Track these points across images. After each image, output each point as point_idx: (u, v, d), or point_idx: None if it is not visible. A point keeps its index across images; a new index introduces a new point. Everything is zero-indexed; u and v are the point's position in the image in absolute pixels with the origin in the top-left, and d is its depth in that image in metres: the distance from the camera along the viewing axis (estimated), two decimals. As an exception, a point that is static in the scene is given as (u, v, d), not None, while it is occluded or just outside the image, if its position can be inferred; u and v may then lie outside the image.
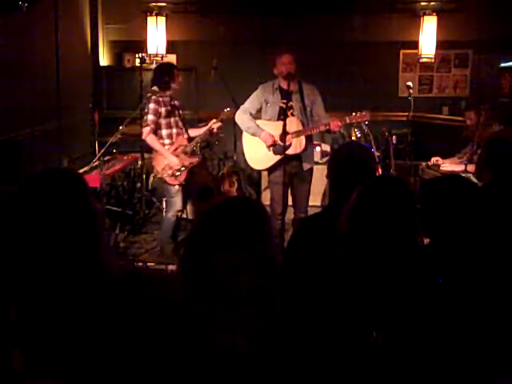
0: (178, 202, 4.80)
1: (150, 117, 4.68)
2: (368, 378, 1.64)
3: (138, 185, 5.80)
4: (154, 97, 4.71)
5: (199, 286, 1.34)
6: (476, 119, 4.84)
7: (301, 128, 4.38)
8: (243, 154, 4.72)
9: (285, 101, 4.42)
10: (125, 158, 5.82)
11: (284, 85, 4.42)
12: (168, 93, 4.79)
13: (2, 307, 1.51)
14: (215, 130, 4.96)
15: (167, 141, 4.78)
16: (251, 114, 4.57)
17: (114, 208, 5.60)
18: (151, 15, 6.79)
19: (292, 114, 4.43)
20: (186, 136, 4.88)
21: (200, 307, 1.33)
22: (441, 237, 1.90)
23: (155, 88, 5.14)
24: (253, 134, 4.52)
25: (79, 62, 6.58)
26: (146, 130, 4.70)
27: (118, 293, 1.58)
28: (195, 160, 4.88)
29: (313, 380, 1.41)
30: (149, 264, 4.49)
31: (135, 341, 1.47)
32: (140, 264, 4.50)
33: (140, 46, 6.82)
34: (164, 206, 5.37)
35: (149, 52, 6.78)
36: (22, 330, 1.48)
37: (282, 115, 4.30)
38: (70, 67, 6.09)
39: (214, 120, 4.93)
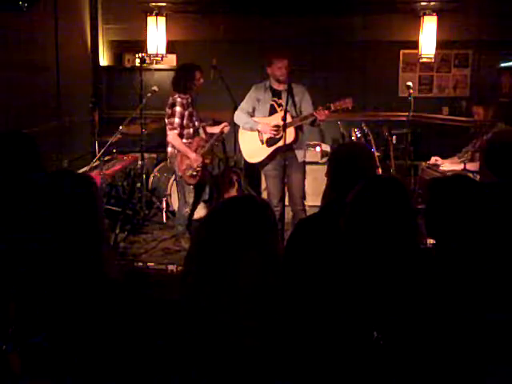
0: (192, 198, 5.13)
1: (177, 120, 4.91)
2: (368, 378, 1.64)
3: (138, 185, 5.80)
4: (179, 99, 4.92)
5: (205, 284, 1.34)
6: (484, 115, 4.83)
7: (290, 120, 4.54)
8: (240, 151, 4.97)
9: (275, 98, 4.68)
10: (125, 157, 5.82)
11: (275, 85, 4.70)
12: (191, 93, 5.00)
13: (0, 306, 1.51)
14: (225, 133, 5.25)
15: (185, 140, 5.01)
16: (248, 113, 4.80)
17: (114, 208, 5.60)
18: (151, 15, 6.78)
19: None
20: (202, 135, 5.15)
21: (204, 304, 1.33)
22: (445, 238, 1.89)
23: (155, 88, 5.21)
24: (251, 129, 4.76)
25: (79, 61, 6.58)
26: (172, 134, 4.93)
27: (117, 293, 1.58)
28: (208, 161, 5.20)
29: (314, 379, 1.42)
30: (149, 264, 4.49)
31: (135, 340, 1.47)
32: (140, 264, 4.51)
33: (140, 45, 6.82)
34: (164, 203, 5.81)
35: (149, 52, 6.77)
36: (20, 330, 1.48)
37: (273, 111, 4.62)
38: (70, 67, 6.09)
39: (225, 123, 5.19)
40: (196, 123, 5.09)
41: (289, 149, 4.56)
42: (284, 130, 4.21)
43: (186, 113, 4.96)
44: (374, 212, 1.78)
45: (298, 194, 4.76)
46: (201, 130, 5.20)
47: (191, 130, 5.04)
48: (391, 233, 1.76)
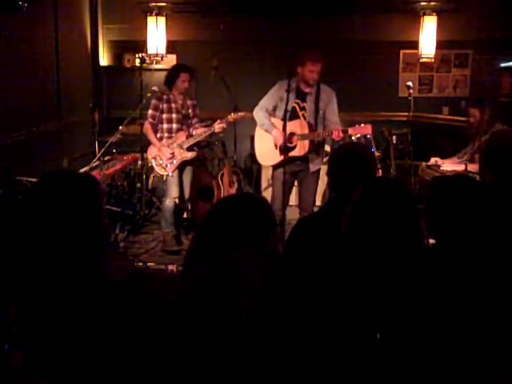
0: (173, 189, 5.10)
1: (150, 111, 5.07)
2: (371, 379, 1.64)
3: (138, 185, 5.80)
4: (159, 93, 5.10)
5: (204, 282, 1.34)
6: (480, 117, 4.81)
7: (307, 131, 4.44)
8: (248, 151, 4.89)
9: (298, 101, 4.49)
10: (125, 157, 5.81)
11: (302, 86, 4.50)
12: (175, 91, 5.06)
13: (2, 306, 1.51)
14: (216, 131, 5.12)
15: (166, 134, 5.09)
16: (268, 110, 4.63)
17: (114, 208, 5.59)
18: (151, 15, 6.78)
19: (303, 116, 4.49)
20: (186, 133, 5.11)
21: (204, 302, 1.33)
22: (446, 237, 1.89)
23: (155, 88, 5.24)
24: (266, 131, 4.62)
25: (79, 62, 6.58)
26: (145, 123, 5.11)
27: (118, 293, 1.58)
28: (189, 155, 5.10)
29: (314, 379, 1.42)
30: (149, 264, 4.49)
31: (135, 340, 1.48)
32: (140, 264, 4.50)
33: (140, 45, 6.81)
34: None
35: (149, 52, 6.77)
36: (22, 329, 1.48)
37: (293, 114, 4.43)
38: (70, 67, 6.09)
39: (219, 121, 5.07)
40: (182, 120, 5.09)
41: (302, 158, 4.51)
42: (284, 142, 4.14)
43: (165, 106, 5.02)
44: (378, 213, 1.78)
45: (307, 201, 4.66)
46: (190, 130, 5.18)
47: (173, 126, 5.06)
48: (395, 234, 1.76)
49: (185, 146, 5.06)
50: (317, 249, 2.08)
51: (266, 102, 4.65)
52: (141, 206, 5.77)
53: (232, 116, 5.05)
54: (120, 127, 5.22)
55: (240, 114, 5.05)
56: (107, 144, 5.09)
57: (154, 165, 5.09)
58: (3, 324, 1.50)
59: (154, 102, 5.05)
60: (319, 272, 1.93)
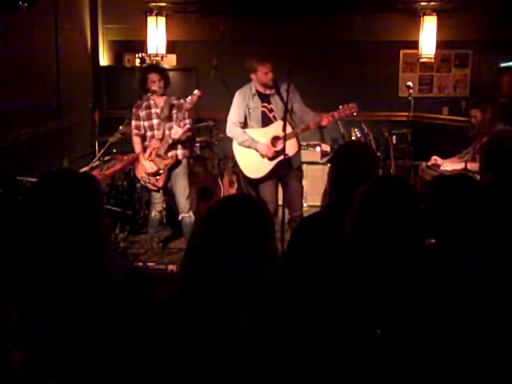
0: (159, 204, 5.13)
1: (133, 122, 4.87)
2: (372, 377, 1.64)
3: (138, 185, 5.80)
4: (138, 101, 4.88)
5: (202, 282, 1.34)
6: (481, 117, 4.79)
7: (291, 130, 4.31)
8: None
9: (265, 104, 4.44)
10: (125, 157, 5.80)
11: (261, 89, 4.45)
12: (150, 95, 4.79)
13: (2, 307, 1.51)
14: (173, 137, 4.76)
15: (146, 143, 4.92)
16: (241, 124, 4.52)
17: (114, 208, 5.60)
18: (151, 15, 6.78)
19: (274, 117, 4.42)
20: (159, 138, 4.82)
21: (203, 302, 1.33)
22: (446, 237, 1.89)
23: (155, 87, 5.19)
24: (249, 147, 4.49)
25: (79, 61, 6.58)
26: (133, 137, 4.91)
27: (117, 293, 1.58)
28: (170, 160, 4.82)
29: (315, 378, 1.42)
30: (149, 264, 4.49)
31: (135, 341, 1.48)
32: (140, 264, 4.51)
33: (140, 45, 6.82)
34: (164, 203, 5.68)
35: (149, 52, 6.78)
36: (22, 329, 1.48)
37: (266, 119, 4.37)
38: (70, 67, 6.09)
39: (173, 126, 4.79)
40: (159, 125, 4.80)
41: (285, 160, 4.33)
42: (284, 141, 3.97)
43: (144, 113, 4.80)
44: (383, 211, 1.79)
45: (296, 202, 4.56)
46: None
47: (155, 133, 4.83)
48: (399, 232, 1.77)
49: (163, 153, 4.77)
50: (321, 248, 2.08)
51: (236, 115, 4.52)
52: (141, 205, 5.77)
53: (188, 101, 4.70)
54: (120, 127, 5.21)
55: (194, 94, 4.68)
56: (107, 144, 5.08)
57: (146, 183, 4.92)
58: (4, 324, 1.50)
59: (134, 111, 4.83)
60: (324, 271, 1.93)
